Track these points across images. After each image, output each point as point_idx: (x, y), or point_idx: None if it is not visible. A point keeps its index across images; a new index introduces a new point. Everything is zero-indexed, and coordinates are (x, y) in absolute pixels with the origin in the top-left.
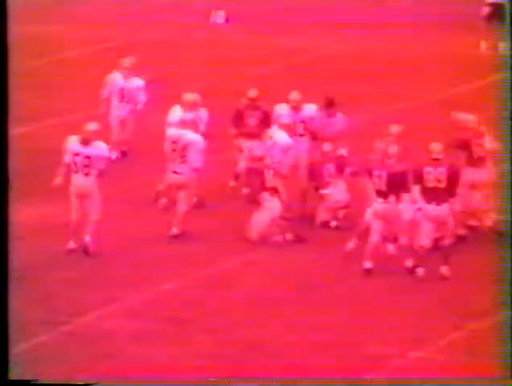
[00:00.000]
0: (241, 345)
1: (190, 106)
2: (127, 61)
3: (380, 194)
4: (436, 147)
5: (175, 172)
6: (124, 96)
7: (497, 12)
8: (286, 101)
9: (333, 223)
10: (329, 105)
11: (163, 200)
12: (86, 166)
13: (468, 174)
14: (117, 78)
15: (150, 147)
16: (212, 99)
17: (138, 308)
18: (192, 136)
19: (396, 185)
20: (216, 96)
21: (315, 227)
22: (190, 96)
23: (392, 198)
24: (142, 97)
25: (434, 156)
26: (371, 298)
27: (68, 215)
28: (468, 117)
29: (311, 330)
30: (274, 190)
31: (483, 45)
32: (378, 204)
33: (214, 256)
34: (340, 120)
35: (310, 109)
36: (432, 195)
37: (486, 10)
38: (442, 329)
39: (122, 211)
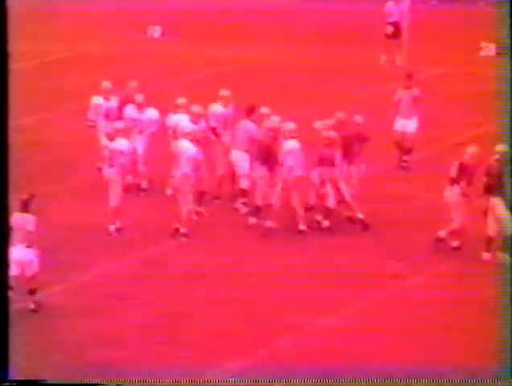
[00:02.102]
0: (172, 316)
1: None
2: (107, 84)
3: (450, 181)
4: None
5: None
6: (109, 115)
7: (396, 30)
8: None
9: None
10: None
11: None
12: (110, 158)
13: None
14: (100, 101)
15: None
16: (152, 104)
17: (84, 287)
18: (185, 144)
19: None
20: (155, 101)
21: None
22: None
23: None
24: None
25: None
26: (286, 272)
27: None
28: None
29: (234, 302)
30: None
31: (383, 58)
32: (447, 190)
33: (150, 240)
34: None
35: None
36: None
37: (389, 29)
38: (346, 299)
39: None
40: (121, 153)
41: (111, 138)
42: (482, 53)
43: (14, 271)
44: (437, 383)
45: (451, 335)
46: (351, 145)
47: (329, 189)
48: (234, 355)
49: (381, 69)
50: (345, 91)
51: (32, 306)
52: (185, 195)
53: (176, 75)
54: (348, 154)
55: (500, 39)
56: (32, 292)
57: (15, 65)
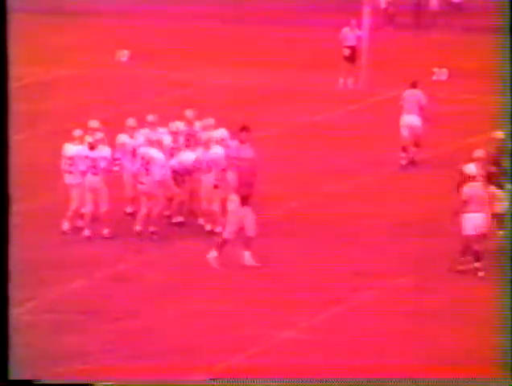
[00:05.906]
0: (139, 332)
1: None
2: (131, 122)
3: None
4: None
5: (141, 183)
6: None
7: (352, 54)
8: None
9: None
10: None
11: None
12: (94, 166)
13: None
14: (125, 139)
15: None
16: (116, 125)
17: (53, 303)
18: (154, 153)
19: None
20: (121, 122)
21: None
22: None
23: None
24: None
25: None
26: (248, 287)
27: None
28: None
29: (199, 317)
30: None
31: (341, 81)
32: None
33: (118, 255)
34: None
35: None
36: None
37: (346, 51)
38: (308, 312)
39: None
40: (105, 159)
41: (92, 147)
42: (434, 77)
43: None
44: (436, 384)
45: (449, 335)
46: None
47: None
48: (199, 368)
49: (339, 92)
50: (306, 113)
51: None
52: (157, 199)
53: (142, 97)
54: None
55: (452, 64)
56: None
57: None
